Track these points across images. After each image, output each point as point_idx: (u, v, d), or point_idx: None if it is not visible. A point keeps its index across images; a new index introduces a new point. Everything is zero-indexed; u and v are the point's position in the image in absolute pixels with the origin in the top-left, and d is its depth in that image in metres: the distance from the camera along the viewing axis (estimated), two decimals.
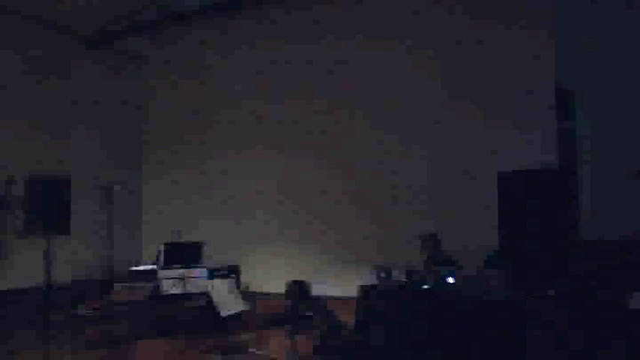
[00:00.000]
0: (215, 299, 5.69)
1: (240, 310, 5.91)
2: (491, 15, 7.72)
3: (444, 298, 4.86)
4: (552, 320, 4.83)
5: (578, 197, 7.30)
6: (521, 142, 7.24)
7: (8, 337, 6.19)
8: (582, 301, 5.12)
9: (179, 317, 6.48)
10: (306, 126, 9.29)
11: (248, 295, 6.54)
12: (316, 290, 6.53)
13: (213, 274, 6.78)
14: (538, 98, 7.25)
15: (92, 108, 10.02)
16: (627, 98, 7.01)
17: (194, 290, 6.38)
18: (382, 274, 5.55)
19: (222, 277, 6.83)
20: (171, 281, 6.33)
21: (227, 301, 5.81)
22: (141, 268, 7.76)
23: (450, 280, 5.13)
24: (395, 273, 5.50)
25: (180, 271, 6.49)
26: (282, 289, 6.30)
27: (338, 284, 7.72)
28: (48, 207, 7.74)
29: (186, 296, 6.43)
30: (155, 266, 7.33)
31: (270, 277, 8.26)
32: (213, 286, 5.90)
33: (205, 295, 6.01)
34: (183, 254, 7.28)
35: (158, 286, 6.36)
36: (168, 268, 6.74)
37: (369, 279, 5.71)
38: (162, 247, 7.37)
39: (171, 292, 6.32)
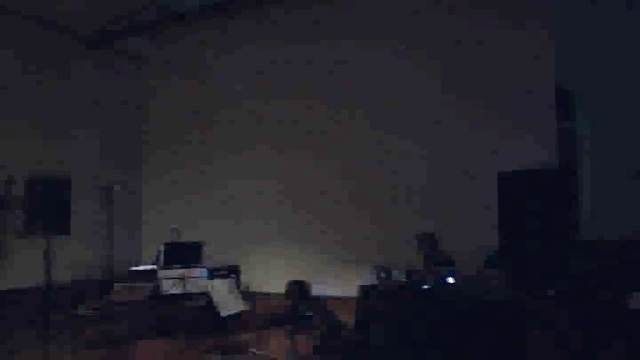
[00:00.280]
0: (215, 299, 5.68)
1: (240, 310, 5.91)
2: (491, 15, 7.73)
3: (444, 298, 4.86)
4: (552, 320, 4.83)
5: (578, 197, 7.29)
6: (521, 142, 7.23)
7: (8, 337, 6.19)
8: (582, 301, 5.12)
9: (179, 317, 6.48)
10: (306, 126, 9.29)
11: (248, 295, 6.53)
12: (316, 290, 6.53)
13: (213, 274, 6.78)
14: (538, 98, 7.25)
15: (92, 108, 10.02)
16: (627, 98, 7.00)
17: (194, 290, 6.37)
18: (382, 274, 5.55)
19: (222, 277, 6.83)
20: (171, 281, 6.33)
21: (227, 301, 5.80)
22: (141, 268, 7.75)
23: (450, 280, 5.13)
24: (395, 273, 5.50)
25: (180, 271, 6.48)
26: (282, 289, 6.29)
27: (338, 284, 7.73)
28: (48, 207, 7.76)
29: (186, 296, 6.42)
30: (155, 266, 7.32)
31: (270, 277, 8.26)
32: (213, 286, 5.89)
33: (205, 295, 6.00)
34: (183, 254, 7.28)
35: (158, 286, 6.35)
36: (169, 268, 6.73)
37: (369, 279, 5.71)
38: (162, 247, 7.36)
39: (171, 292, 6.32)
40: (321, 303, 5.94)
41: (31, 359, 5.47)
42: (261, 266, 8.74)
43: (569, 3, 7.21)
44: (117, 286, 6.56)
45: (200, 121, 10.55)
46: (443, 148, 8.02)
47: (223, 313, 5.63)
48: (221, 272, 7.10)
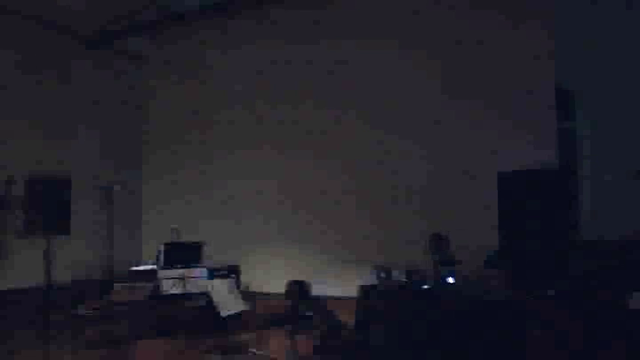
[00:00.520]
0: (215, 299, 5.68)
1: (240, 310, 5.91)
2: (491, 15, 7.72)
3: (444, 298, 4.86)
4: (552, 320, 4.83)
5: (578, 197, 7.29)
6: (521, 142, 7.23)
7: (8, 337, 6.19)
8: (582, 301, 5.11)
9: (179, 317, 6.48)
10: (306, 126, 9.29)
11: (248, 295, 6.54)
12: (316, 290, 6.52)
13: (213, 274, 6.78)
14: (538, 98, 7.25)
15: (92, 108, 10.02)
16: (627, 98, 7.00)
17: (194, 290, 6.37)
18: (382, 274, 5.56)
19: (222, 277, 6.83)
20: (171, 281, 6.33)
21: (227, 301, 5.81)
22: (141, 268, 7.76)
23: (450, 280, 5.13)
24: (395, 273, 5.51)
25: (180, 271, 6.48)
26: (282, 289, 6.29)
27: (338, 284, 7.73)
28: (48, 207, 7.76)
29: (186, 296, 6.43)
30: (155, 266, 7.33)
31: (270, 277, 8.26)
32: (213, 286, 5.90)
33: (205, 295, 6.01)
34: (183, 254, 7.29)
35: (158, 286, 6.36)
36: (168, 268, 6.74)
37: (369, 279, 5.72)
38: (162, 247, 7.37)
39: (171, 292, 6.32)
40: (321, 303, 5.94)
41: (31, 359, 5.47)
42: (261, 266, 8.74)
43: (569, 3, 7.21)
44: (117, 286, 6.57)
45: (200, 121, 10.55)
46: (443, 148, 8.01)
47: (223, 313, 5.63)
48: (221, 272, 7.10)
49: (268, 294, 7.64)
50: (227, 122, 10.22)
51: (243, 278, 7.67)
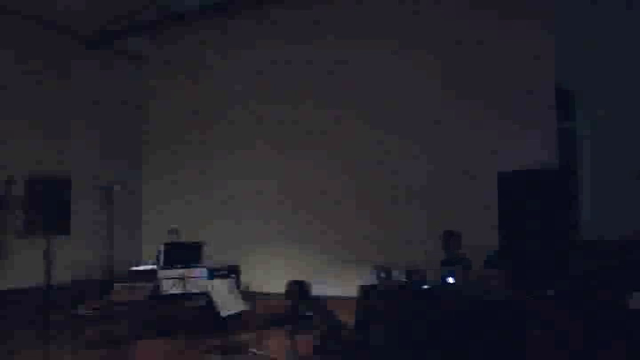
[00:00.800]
0: (215, 299, 5.68)
1: (240, 310, 5.90)
2: (491, 15, 7.72)
3: (444, 298, 4.86)
4: (552, 320, 4.83)
5: (578, 197, 7.29)
6: (521, 142, 7.23)
7: (8, 337, 6.19)
8: (582, 301, 5.11)
9: (179, 317, 6.48)
10: (306, 126, 9.29)
11: (248, 295, 6.53)
12: (316, 290, 6.53)
13: (213, 274, 6.77)
14: (538, 98, 7.24)
15: (92, 108, 10.02)
16: (627, 98, 7.00)
17: (194, 290, 6.37)
18: (382, 274, 5.56)
19: (222, 277, 6.82)
20: (171, 281, 6.33)
21: (227, 301, 5.80)
22: (141, 268, 7.76)
23: (450, 280, 5.13)
24: (395, 273, 5.51)
25: (180, 271, 6.48)
26: (282, 289, 6.29)
27: (338, 284, 7.72)
28: (48, 207, 7.75)
29: (186, 296, 6.42)
30: (155, 266, 7.33)
31: (270, 277, 8.26)
32: (213, 286, 5.89)
33: (205, 295, 6.00)
34: (183, 254, 7.28)
35: (158, 286, 6.35)
36: (168, 268, 6.73)
37: (369, 279, 5.71)
38: (162, 247, 7.36)
39: (171, 292, 6.31)
40: (321, 303, 5.94)
41: (31, 359, 5.48)
42: (261, 266, 8.74)
43: (569, 3, 7.21)
44: (117, 286, 6.56)
45: (200, 121, 10.55)
46: (443, 148, 8.01)
47: (223, 313, 5.62)
48: (221, 272, 7.09)
49: (268, 294, 7.64)
50: (227, 122, 10.22)
51: (243, 278, 7.66)
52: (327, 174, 9.00)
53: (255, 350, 5.61)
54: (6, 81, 8.47)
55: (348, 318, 5.55)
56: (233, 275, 7.24)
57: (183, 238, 7.93)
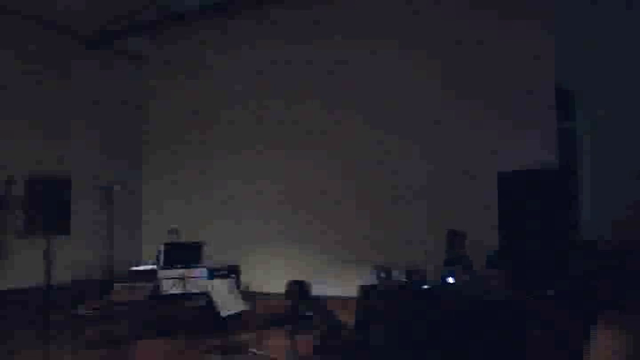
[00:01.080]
0: (215, 299, 5.68)
1: (240, 310, 5.91)
2: (491, 15, 7.72)
3: (444, 298, 4.86)
4: (552, 320, 4.83)
5: (578, 197, 7.29)
6: (521, 142, 7.23)
7: (8, 337, 6.20)
8: (582, 301, 5.11)
9: (179, 317, 6.49)
10: (306, 126, 9.29)
11: (248, 295, 6.54)
12: (316, 290, 6.52)
13: (213, 274, 6.78)
14: (538, 98, 7.24)
15: (92, 108, 10.02)
16: (627, 98, 7.00)
17: (194, 290, 6.38)
18: (382, 274, 5.56)
19: (222, 277, 6.83)
20: (171, 281, 6.33)
21: (227, 301, 5.80)
22: (141, 268, 7.76)
23: (450, 280, 5.13)
24: (395, 273, 5.51)
25: (180, 271, 6.49)
26: (282, 289, 6.29)
27: (338, 284, 7.72)
28: (48, 207, 7.72)
29: (186, 296, 6.43)
30: (155, 266, 7.33)
31: (270, 277, 8.26)
32: (213, 286, 5.89)
33: (205, 295, 6.01)
34: (183, 254, 7.28)
35: (158, 286, 6.36)
36: (168, 268, 6.74)
37: (369, 279, 5.71)
38: (162, 247, 7.36)
39: (171, 292, 6.32)
40: (321, 303, 5.94)
41: (31, 359, 5.48)
42: (261, 266, 8.74)
43: (569, 3, 7.21)
44: (117, 286, 6.57)
45: (200, 121, 10.55)
46: (443, 148, 8.01)
47: (223, 313, 5.63)
48: (221, 272, 7.10)
49: (268, 294, 7.64)
50: (227, 122, 10.22)
51: (243, 278, 7.67)
52: (327, 174, 9.00)
53: (255, 350, 5.62)
54: (6, 81, 8.47)
55: (348, 318, 5.56)
56: (233, 275, 7.24)
57: (183, 238, 7.93)
